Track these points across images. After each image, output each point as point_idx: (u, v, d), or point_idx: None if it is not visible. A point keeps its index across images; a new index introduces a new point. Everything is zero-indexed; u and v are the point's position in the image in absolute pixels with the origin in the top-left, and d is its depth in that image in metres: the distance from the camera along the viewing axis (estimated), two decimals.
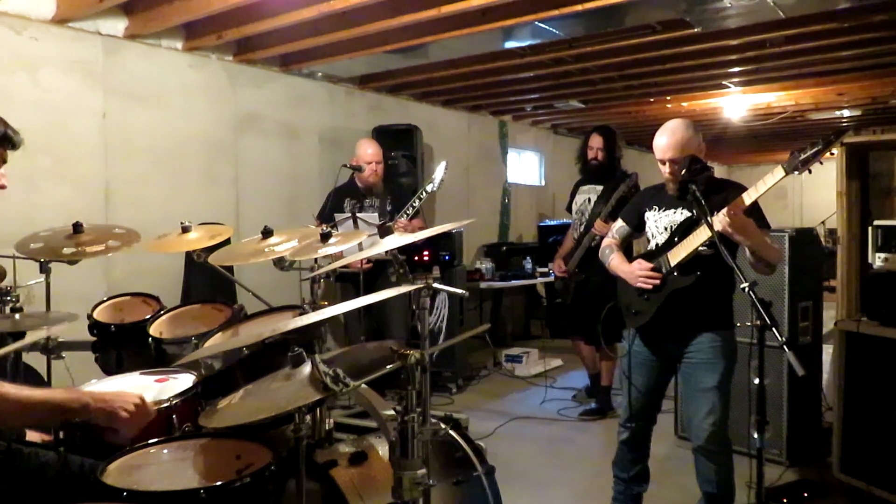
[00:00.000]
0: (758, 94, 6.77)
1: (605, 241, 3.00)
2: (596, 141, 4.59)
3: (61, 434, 1.92)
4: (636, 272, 2.71)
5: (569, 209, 4.91)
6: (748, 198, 2.45)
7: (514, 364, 5.98)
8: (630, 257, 2.86)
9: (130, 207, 4.28)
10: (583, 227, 4.62)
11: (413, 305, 1.79)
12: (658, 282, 2.65)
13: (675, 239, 2.65)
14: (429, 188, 4.08)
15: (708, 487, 2.70)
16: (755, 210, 2.52)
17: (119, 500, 1.54)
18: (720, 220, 2.38)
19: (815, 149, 2.27)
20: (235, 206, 5.00)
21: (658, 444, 3.10)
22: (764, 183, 2.39)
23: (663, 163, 2.67)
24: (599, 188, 4.58)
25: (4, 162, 1.78)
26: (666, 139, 2.66)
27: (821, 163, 2.31)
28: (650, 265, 2.69)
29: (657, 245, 2.76)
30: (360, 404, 3.30)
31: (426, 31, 4.32)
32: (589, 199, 4.64)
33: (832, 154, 2.33)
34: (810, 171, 2.33)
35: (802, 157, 2.30)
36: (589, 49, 4.84)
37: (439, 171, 4.05)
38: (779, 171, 2.35)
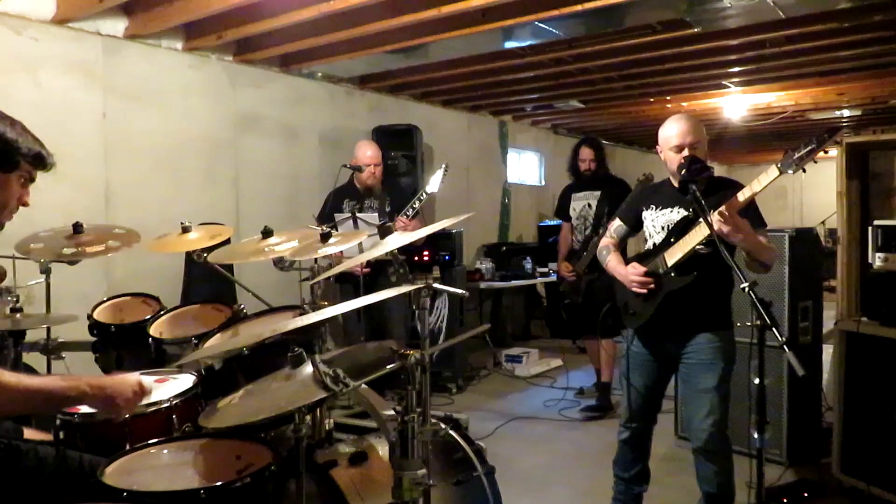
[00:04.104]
0: (758, 94, 6.77)
1: (603, 241, 2.97)
2: (587, 153, 4.84)
3: (61, 434, 1.93)
4: (630, 276, 2.69)
5: (558, 214, 5.15)
6: (742, 197, 2.44)
7: (514, 364, 5.97)
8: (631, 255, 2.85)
9: (130, 207, 4.28)
10: (588, 230, 4.77)
11: (413, 305, 1.79)
12: (652, 286, 2.64)
13: (672, 239, 2.63)
14: (428, 190, 4.07)
15: (708, 487, 2.69)
16: (751, 208, 2.51)
17: (119, 500, 1.54)
18: (714, 221, 2.37)
19: (809, 147, 2.26)
20: (235, 206, 5.00)
21: (658, 444, 3.09)
22: (758, 182, 2.39)
23: (682, 148, 2.60)
24: (597, 193, 4.77)
25: (33, 181, 1.75)
26: (685, 123, 2.62)
27: (815, 161, 2.30)
28: (644, 269, 2.67)
29: (654, 245, 2.74)
30: (360, 404, 3.30)
31: (426, 31, 4.32)
32: (589, 205, 4.82)
33: (826, 153, 2.32)
34: (804, 170, 2.32)
35: (797, 155, 2.29)
36: (589, 49, 4.85)
37: (438, 174, 4.05)
38: (773, 171, 2.34)
